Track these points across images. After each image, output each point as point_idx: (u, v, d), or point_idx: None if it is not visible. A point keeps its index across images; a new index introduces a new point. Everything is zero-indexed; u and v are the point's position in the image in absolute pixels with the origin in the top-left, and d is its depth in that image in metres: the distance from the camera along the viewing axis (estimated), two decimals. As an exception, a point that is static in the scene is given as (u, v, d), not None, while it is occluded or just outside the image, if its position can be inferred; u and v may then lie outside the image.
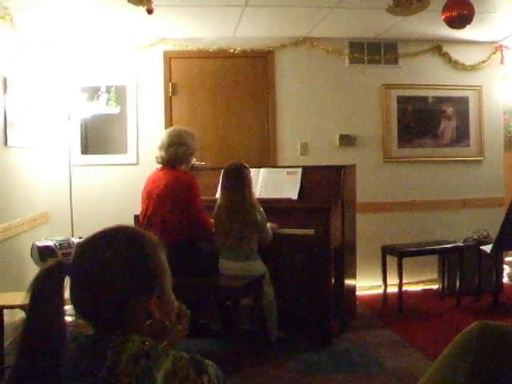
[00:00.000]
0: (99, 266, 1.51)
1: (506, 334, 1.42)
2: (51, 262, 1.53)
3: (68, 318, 1.52)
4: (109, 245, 1.55)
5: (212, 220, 5.29)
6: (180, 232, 5.12)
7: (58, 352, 1.43)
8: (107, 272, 1.50)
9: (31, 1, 5.39)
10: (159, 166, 5.49)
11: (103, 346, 1.44)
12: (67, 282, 1.52)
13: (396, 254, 6.44)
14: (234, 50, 7.06)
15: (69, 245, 5.46)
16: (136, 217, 5.47)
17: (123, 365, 1.40)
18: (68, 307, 1.51)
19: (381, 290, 6.75)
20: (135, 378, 1.38)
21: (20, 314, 4.73)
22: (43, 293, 1.46)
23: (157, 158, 5.42)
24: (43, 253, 5.36)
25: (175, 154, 5.32)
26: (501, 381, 1.33)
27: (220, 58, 7.14)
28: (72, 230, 6.26)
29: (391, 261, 6.53)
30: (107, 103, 6.74)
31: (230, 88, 7.21)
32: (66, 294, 1.52)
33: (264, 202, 5.44)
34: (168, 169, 5.35)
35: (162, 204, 5.21)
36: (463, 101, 7.67)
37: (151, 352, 1.44)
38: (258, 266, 5.22)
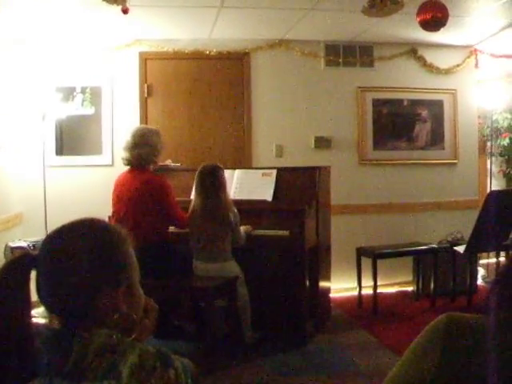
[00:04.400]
0: (67, 257, 1.49)
1: (472, 325, 1.43)
2: (18, 253, 1.51)
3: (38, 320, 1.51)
4: (77, 236, 1.53)
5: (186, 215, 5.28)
6: (153, 235, 5.11)
7: (24, 348, 1.42)
8: (75, 263, 1.48)
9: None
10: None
11: (69, 339, 1.42)
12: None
13: (371, 256, 6.46)
14: (210, 52, 7.06)
15: (42, 246, 5.41)
16: (110, 218, 5.44)
17: (89, 358, 1.38)
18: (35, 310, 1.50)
19: (355, 292, 6.77)
20: (101, 372, 1.36)
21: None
22: (8, 284, 1.45)
23: (122, 159, 5.39)
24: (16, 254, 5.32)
25: (139, 155, 5.28)
26: (469, 370, 1.34)
27: (196, 59, 7.13)
28: (46, 232, 6.20)
29: (366, 262, 6.55)
30: (82, 104, 6.71)
31: (206, 89, 7.20)
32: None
33: (238, 203, 5.43)
34: (136, 171, 5.31)
35: (133, 208, 5.18)
36: (438, 104, 7.72)
37: (117, 346, 1.42)
38: (232, 267, 5.22)
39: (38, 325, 1.49)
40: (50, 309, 1.52)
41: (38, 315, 1.49)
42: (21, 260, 1.50)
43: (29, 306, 1.48)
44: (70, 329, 1.45)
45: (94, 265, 1.50)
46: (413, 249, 6.79)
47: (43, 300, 1.51)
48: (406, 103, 7.62)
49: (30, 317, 1.47)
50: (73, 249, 1.50)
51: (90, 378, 1.36)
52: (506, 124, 7.90)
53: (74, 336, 1.42)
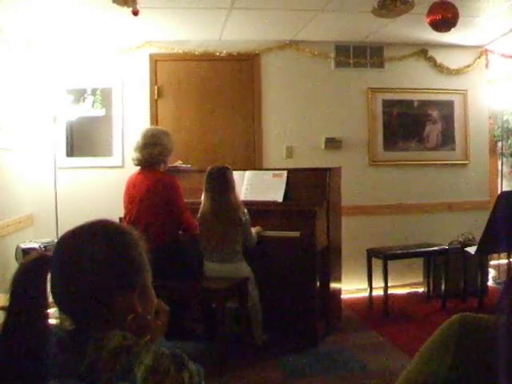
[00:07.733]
0: (81, 259, 1.49)
1: (486, 325, 1.42)
2: (34, 254, 1.51)
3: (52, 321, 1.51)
4: (91, 237, 1.53)
5: (196, 221, 5.28)
6: (164, 236, 5.11)
7: (39, 349, 1.42)
8: (89, 265, 1.48)
9: (17, 1, 5.36)
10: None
11: (83, 341, 1.42)
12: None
13: (381, 257, 6.44)
14: (220, 53, 7.06)
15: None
16: (121, 219, 5.44)
17: (103, 360, 1.38)
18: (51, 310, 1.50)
19: (366, 293, 6.75)
20: (115, 374, 1.36)
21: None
22: (26, 285, 1.45)
23: (133, 159, 5.42)
24: (28, 255, 5.32)
25: (150, 155, 5.32)
26: (482, 372, 1.33)
27: (206, 60, 7.13)
28: (57, 233, 6.22)
29: (377, 264, 6.54)
30: (93, 105, 6.73)
31: (216, 91, 7.20)
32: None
33: (249, 204, 5.43)
34: (146, 171, 5.34)
35: (145, 209, 5.20)
36: (448, 105, 7.70)
37: (132, 348, 1.42)
38: (243, 268, 5.22)
39: (51, 326, 1.49)
40: (64, 310, 1.52)
41: (51, 316, 1.49)
42: (38, 261, 1.50)
43: (46, 307, 1.47)
44: (83, 330, 1.46)
45: (108, 266, 1.50)
46: (424, 250, 6.77)
47: (57, 301, 1.51)
48: (416, 104, 7.60)
49: (47, 318, 1.46)
50: (87, 250, 1.50)
51: (104, 379, 1.36)
52: (516, 124, 7.87)
53: (88, 338, 1.43)
